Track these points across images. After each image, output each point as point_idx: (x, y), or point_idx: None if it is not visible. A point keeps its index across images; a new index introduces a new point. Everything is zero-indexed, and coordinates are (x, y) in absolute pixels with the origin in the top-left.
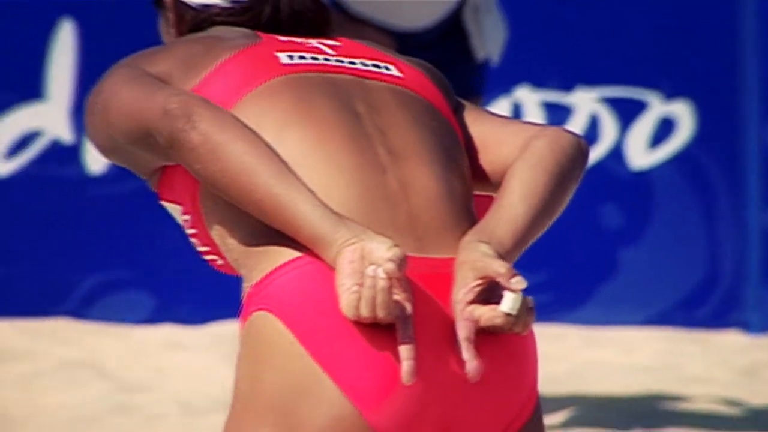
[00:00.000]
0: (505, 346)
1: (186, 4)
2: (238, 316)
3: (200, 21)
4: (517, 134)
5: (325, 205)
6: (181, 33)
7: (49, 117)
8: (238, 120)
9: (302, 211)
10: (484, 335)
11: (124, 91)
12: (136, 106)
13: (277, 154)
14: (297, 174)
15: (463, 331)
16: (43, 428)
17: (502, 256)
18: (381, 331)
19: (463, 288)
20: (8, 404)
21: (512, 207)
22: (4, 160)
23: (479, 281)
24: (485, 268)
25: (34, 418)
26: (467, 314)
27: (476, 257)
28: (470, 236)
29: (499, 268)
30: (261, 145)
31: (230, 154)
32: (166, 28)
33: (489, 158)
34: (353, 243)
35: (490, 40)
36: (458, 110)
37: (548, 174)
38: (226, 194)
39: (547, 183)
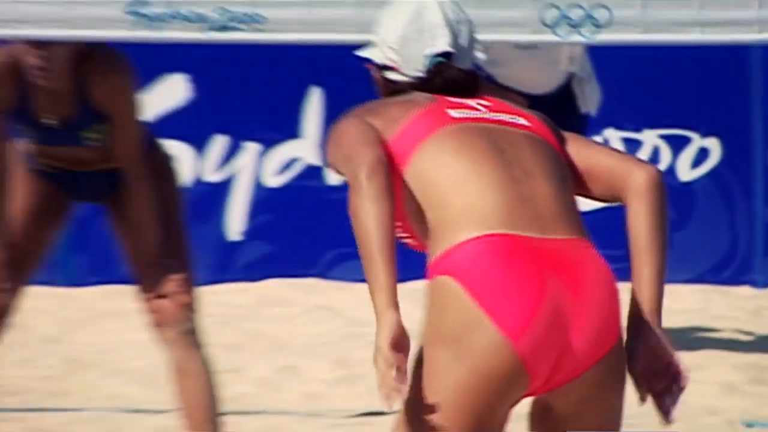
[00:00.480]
0: (609, 293)
1: (388, 80)
2: (425, 277)
3: (397, 89)
4: (605, 159)
5: (384, 289)
6: (386, 95)
7: (304, 149)
8: (387, 202)
9: (373, 284)
10: (594, 287)
11: (348, 135)
12: (351, 149)
13: (388, 233)
14: (391, 252)
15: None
16: (299, 348)
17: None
18: (521, 288)
19: (646, 369)
20: (277, 333)
21: (651, 281)
22: (276, 175)
23: (656, 364)
24: (662, 356)
25: (294, 341)
26: (649, 389)
27: (655, 344)
28: (642, 319)
29: (675, 363)
30: (386, 226)
31: (366, 214)
32: (378, 90)
33: (586, 175)
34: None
35: (589, 100)
36: (565, 143)
37: (655, 221)
38: (353, 227)
39: (657, 227)
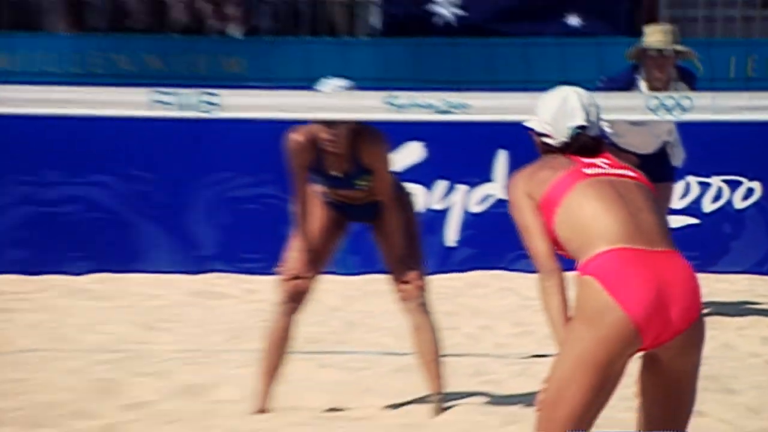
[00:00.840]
0: (693, 284)
1: (544, 143)
2: (574, 271)
3: (549, 149)
4: None
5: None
6: (543, 152)
7: (495, 189)
8: (560, 294)
9: (556, 340)
10: (683, 281)
11: (519, 210)
12: (525, 233)
13: (563, 313)
14: (565, 323)
15: None
16: (492, 314)
17: None
18: (637, 283)
19: None
20: (478, 305)
21: None
22: (477, 205)
23: None
24: None
25: (488, 310)
26: None
27: None
28: None
29: None
30: (562, 310)
31: (550, 305)
32: (538, 149)
33: None
34: None
35: (677, 158)
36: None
37: None
38: (541, 302)
39: None
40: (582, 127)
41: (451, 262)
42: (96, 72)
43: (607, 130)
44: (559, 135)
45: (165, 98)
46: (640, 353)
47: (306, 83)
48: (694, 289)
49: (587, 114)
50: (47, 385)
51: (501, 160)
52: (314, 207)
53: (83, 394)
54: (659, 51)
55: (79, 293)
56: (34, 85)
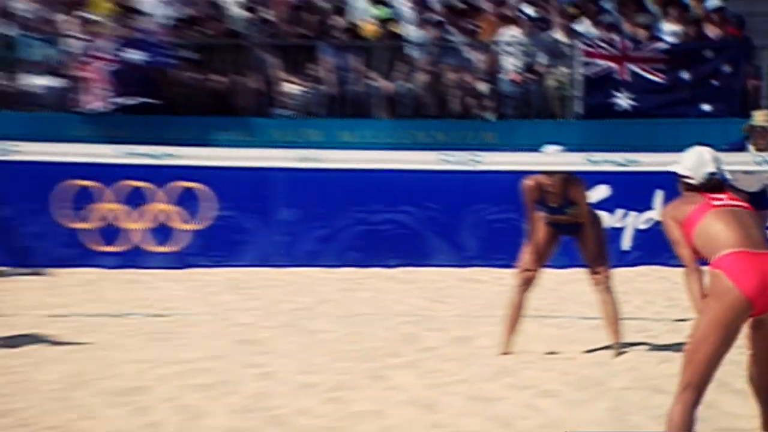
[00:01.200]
0: None
1: (686, 183)
2: (707, 266)
3: (689, 189)
4: None
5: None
6: (685, 191)
7: (654, 214)
8: (698, 282)
9: (694, 308)
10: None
11: (669, 228)
12: (674, 243)
13: (701, 294)
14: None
15: None
16: (648, 294)
17: None
18: (750, 273)
19: None
20: (638, 287)
21: None
22: (643, 224)
23: None
24: None
25: (645, 290)
26: None
27: None
28: None
29: None
30: (700, 292)
31: (692, 289)
32: (681, 189)
33: None
34: None
35: None
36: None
37: None
38: (685, 288)
39: None
40: (712, 173)
41: (625, 260)
42: (403, 142)
43: (728, 176)
44: (697, 178)
45: (447, 158)
46: (751, 318)
47: (534, 148)
48: None
49: (715, 163)
50: (370, 336)
51: (658, 195)
52: (539, 226)
53: (393, 342)
54: (763, 126)
55: (391, 279)
56: (365, 151)
